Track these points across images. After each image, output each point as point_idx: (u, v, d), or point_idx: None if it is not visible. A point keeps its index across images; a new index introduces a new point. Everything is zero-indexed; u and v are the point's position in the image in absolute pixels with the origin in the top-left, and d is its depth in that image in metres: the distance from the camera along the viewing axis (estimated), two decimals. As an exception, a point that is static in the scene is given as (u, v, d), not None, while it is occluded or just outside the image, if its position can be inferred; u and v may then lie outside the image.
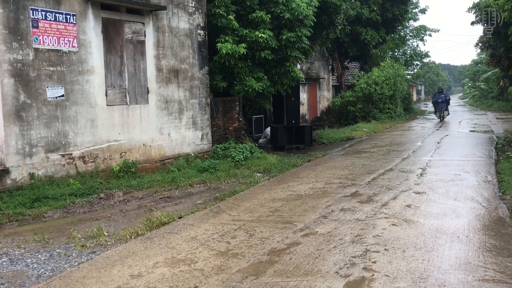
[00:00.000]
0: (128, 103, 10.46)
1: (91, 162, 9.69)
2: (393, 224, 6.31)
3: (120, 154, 10.29)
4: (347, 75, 31.47)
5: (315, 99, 27.54)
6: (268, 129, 18.64)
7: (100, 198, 8.71)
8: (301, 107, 24.99)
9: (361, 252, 5.21)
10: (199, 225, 6.52)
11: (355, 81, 27.63)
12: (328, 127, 24.40)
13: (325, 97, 28.65)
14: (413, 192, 8.37)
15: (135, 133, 10.63)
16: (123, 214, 7.67)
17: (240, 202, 7.91)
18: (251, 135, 20.69)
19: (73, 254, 5.61)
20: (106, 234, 6.34)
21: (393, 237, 5.75)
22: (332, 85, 30.21)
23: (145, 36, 10.81)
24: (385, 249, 5.30)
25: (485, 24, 15.62)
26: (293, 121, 17.34)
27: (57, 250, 5.77)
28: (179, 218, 7.02)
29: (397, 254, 5.12)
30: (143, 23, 10.77)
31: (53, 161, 9.00)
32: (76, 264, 5.25)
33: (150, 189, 9.48)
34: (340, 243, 5.55)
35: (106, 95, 9.95)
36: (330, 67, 29.15)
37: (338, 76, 30.23)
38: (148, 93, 10.95)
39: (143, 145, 10.86)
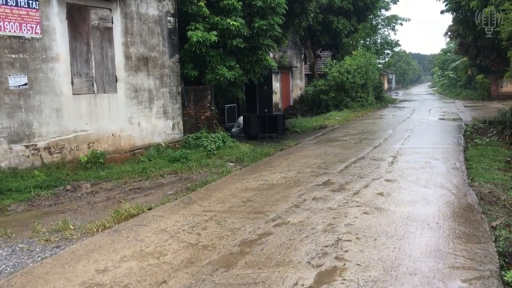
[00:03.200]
0: (96, 92, 10.15)
1: (57, 153, 9.38)
2: (365, 213, 6.30)
3: (88, 145, 10.00)
4: (319, 63, 31.53)
5: (288, 88, 27.50)
6: (241, 118, 18.50)
7: (67, 190, 8.44)
8: (274, 96, 24.92)
9: (333, 242, 5.17)
10: (169, 217, 6.38)
11: (328, 70, 27.71)
12: (301, 115, 24.42)
13: (298, 86, 28.64)
14: (385, 180, 8.40)
15: (103, 123, 10.34)
16: (91, 207, 7.45)
17: (212, 193, 7.78)
18: (224, 124, 20.48)
19: (37, 249, 5.40)
20: (72, 227, 6.13)
21: (364, 226, 5.73)
22: (305, 74, 30.21)
23: (112, 22, 10.48)
24: (356, 238, 5.27)
25: (454, 13, 15.83)
26: (266, 110, 17.28)
27: (20, 245, 5.55)
28: (149, 209, 6.86)
29: (368, 243, 5.10)
30: (110, 9, 10.43)
31: (17, 152, 8.67)
32: (39, 259, 5.05)
33: (119, 180, 9.25)
34: (312, 233, 5.50)
35: (72, 84, 9.62)
36: (302, 55, 29.13)
37: (310, 65, 30.24)
38: (116, 81, 10.65)
39: (112, 135, 10.58)
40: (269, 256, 4.80)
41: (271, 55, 24.39)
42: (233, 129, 19.78)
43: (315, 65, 30.12)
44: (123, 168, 9.97)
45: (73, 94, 9.66)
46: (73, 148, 9.68)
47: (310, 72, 30.68)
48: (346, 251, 4.88)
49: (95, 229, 5.95)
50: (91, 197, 8.14)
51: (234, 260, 4.71)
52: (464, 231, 5.48)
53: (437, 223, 5.78)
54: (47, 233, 5.98)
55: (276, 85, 25.46)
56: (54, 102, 9.27)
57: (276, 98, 25.55)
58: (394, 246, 4.99)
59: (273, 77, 24.97)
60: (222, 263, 4.66)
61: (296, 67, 28.03)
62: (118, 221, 6.25)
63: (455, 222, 5.82)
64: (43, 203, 7.62)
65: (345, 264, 4.54)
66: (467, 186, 7.82)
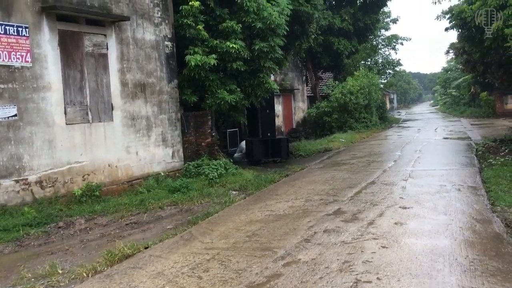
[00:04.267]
0: (91, 121, 9.66)
1: (50, 187, 8.83)
2: (383, 246, 5.71)
3: (83, 177, 9.46)
4: (321, 85, 31.19)
5: (290, 110, 27.06)
6: (243, 143, 18.00)
7: (59, 227, 7.86)
8: (276, 119, 24.48)
9: (351, 284, 4.58)
10: (167, 257, 5.79)
11: (330, 91, 27.31)
12: (305, 138, 23.91)
13: (300, 108, 28.21)
14: (400, 207, 7.82)
15: (99, 153, 9.83)
16: (83, 246, 6.86)
17: (214, 226, 7.20)
18: (226, 149, 19.98)
19: (18, 300, 4.81)
20: (60, 272, 5.54)
21: (384, 262, 5.14)
22: (307, 96, 29.82)
23: (107, 48, 10.07)
24: (377, 278, 4.68)
25: (460, 30, 15.45)
26: (269, 134, 16.81)
27: (0, 296, 4.97)
28: (146, 248, 6.28)
29: (392, 285, 4.51)
30: (104, 35, 10.03)
31: (6, 188, 8.12)
32: (19, 313, 4.46)
33: (116, 214, 8.67)
34: (326, 273, 4.91)
35: (65, 113, 9.14)
36: (304, 77, 28.78)
37: (312, 87, 29.89)
38: (112, 109, 10.18)
39: (109, 165, 10.05)
40: (280, 304, 4.21)
41: (272, 77, 24.07)
42: (236, 154, 19.26)
43: (317, 86, 29.77)
44: (120, 201, 9.40)
45: (67, 124, 9.17)
46: (66, 181, 9.14)
47: (312, 94, 30.31)
48: (368, 295, 4.29)
49: (85, 274, 5.36)
50: (85, 234, 7.56)
51: (240, 311, 4.12)
52: (497, 267, 4.88)
53: (465, 258, 5.18)
54: (33, 279, 5.40)
55: (278, 108, 25.04)
56: (46, 133, 8.78)
57: (279, 121, 25.10)
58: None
59: (275, 100, 24.56)
60: (227, 314, 4.06)
61: (298, 89, 27.65)
62: (111, 264, 5.66)
63: (486, 256, 5.22)
64: (33, 243, 7.04)
65: (368, 313, 3.94)
66: (490, 212, 7.24)
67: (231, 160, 13.08)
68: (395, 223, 6.77)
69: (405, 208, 7.73)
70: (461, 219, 6.85)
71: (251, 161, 16.27)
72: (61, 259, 6.16)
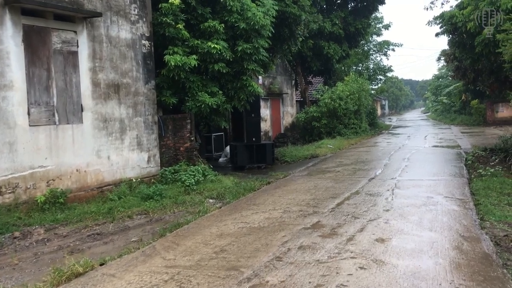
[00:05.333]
0: (57, 123, 9.05)
1: (9, 193, 8.20)
2: (361, 267, 5.16)
3: (47, 182, 8.84)
4: (311, 90, 30.73)
5: (279, 115, 26.54)
6: (228, 147, 17.44)
7: (14, 238, 7.25)
8: (264, 123, 23.97)
9: (321, 314, 4.03)
10: (121, 276, 5.20)
11: (319, 96, 26.84)
12: (293, 143, 23.40)
13: (289, 113, 27.70)
14: (383, 221, 7.29)
15: (66, 157, 9.21)
16: (35, 260, 6.26)
17: (181, 240, 6.62)
18: (210, 153, 19.41)
19: None
20: (-1, 292, 4.95)
21: (361, 287, 4.59)
22: (296, 100, 29.32)
23: (78, 46, 9.48)
24: (351, 307, 4.13)
25: (450, 35, 15.03)
26: (254, 139, 16.19)
27: None
28: (101, 265, 5.68)
29: (366, 316, 3.96)
30: (75, 32, 9.43)
31: (-42, 194, 7.50)
32: None
33: (79, 223, 8.07)
34: (295, 299, 4.36)
35: (28, 114, 8.52)
36: (293, 82, 28.28)
37: (302, 91, 29.44)
38: (82, 111, 9.57)
39: (77, 170, 9.44)
40: None
41: (260, 81, 23.51)
42: (220, 159, 18.69)
43: (306, 91, 29.31)
44: (87, 209, 8.79)
45: (30, 125, 8.55)
46: (29, 186, 8.51)
47: (302, 99, 29.85)
48: (338, 330, 3.74)
49: (25, 296, 4.77)
50: (41, 246, 6.96)
51: None
52: (486, 295, 4.35)
53: (450, 283, 4.65)
54: (-33, 300, 4.79)
55: (266, 112, 24.53)
56: (6, 135, 8.15)
57: (266, 125, 24.58)
58: (400, 321, 3.85)
59: (263, 104, 24.07)
60: None
61: (287, 93, 27.14)
62: (58, 283, 5.07)
63: (473, 281, 4.69)
64: (-19, 256, 6.43)
65: None
66: (479, 228, 6.73)
67: (211, 166, 12.48)
68: (376, 240, 6.24)
69: (388, 222, 7.20)
70: (447, 236, 6.33)
71: (235, 166, 15.73)
72: (6, 276, 5.58)
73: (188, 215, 8.40)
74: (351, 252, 5.73)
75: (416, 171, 12.61)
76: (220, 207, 9.00)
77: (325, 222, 7.33)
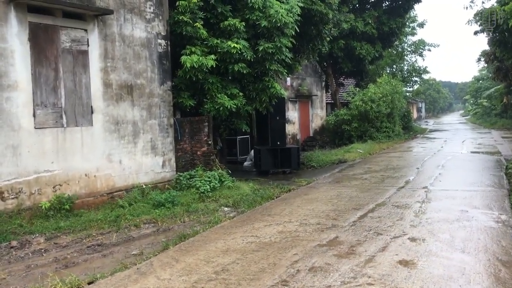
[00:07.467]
0: (65, 125, 8.67)
1: (12, 198, 7.85)
2: (378, 298, 4.45)
3: (54, 188, 8.46)
4: (342, 91, 29.76)
5: (308, 117, 25.73)
6: (253, 151, 16.85)
7: (11, 247, 6.86)
8: (291, 126, 23.26)
9: None
10: (106, 298, 4.67)
11: (350, 98, 25.89)
12: (321, 147, 22.60)
13: (319, 116, 26.85)
14: (408, 238, 6.50)
15: (74, 161, 8.82)
16: (25, 274, 5.82)
17: (182, 256, 6.04)
18: (235, 157, 18.86)
19: None
20: (-29, 313, 4.49)
21: (375, 325, 3.89)
22: (326, 103, 28.43)
23: (88, 45, 9.08)
24: None
25: (490, 33, 13.95)
26: (278, 143, 15.56)
27: None
28: (89, 283, 5.17)
29: None
30: (85, 30, 9.04)
31: (-44, 199, 7.18)
32: None
33: (82, 232, 7.63)
34: (294, 339, 3.69)
35: (34, 116, 8.16)
36: (323, 83, 27.40)
37: (332, 93, 28.54)
38: (92, 113, 9.17)
39: (85, 175, 9.03)
40: None
41: (289, 82, 22.83)
42: (245, 163, 18.10)
43: (337, 93, 28.38)
44: (93, 216, 8.36)
45: (36, 128, 8.19)
46: (33, 192, 8.14)
47: (332, 101, 28.94)
48: None
49: (-4, 320, 4.29)
50: (37, 257, 6.53)
51: None
52: None
53: (484, 324, 3.88)
54: None
55: (294, 114, 23.81)
56: (9, 138, 7.81)
57: (294, 128, 23.84)
58: None
59: (291, 106, 23.38)
60: None
61: (316, 95, 26.29)
62: (35, 306, 4.57)
63: (512, 322, 3.90)
64: (-29, 267, 6.05)
65: None
66: (521, 251, 5.86)
67: (229, 172, 11.88)
68: (399, 262, 5.48)
69: (414, 240, 6.41)
70: (482, 260, 5.51)
71: (259, 171, 15.13)
72: (-11, 292, 5.13)
73: (198, 226, 7.84)
74: (369, 277, 5.00)
75: (450, 180, 11.64)
76: (233, 217, 8.40)
77: (343, 238, 6.61)
